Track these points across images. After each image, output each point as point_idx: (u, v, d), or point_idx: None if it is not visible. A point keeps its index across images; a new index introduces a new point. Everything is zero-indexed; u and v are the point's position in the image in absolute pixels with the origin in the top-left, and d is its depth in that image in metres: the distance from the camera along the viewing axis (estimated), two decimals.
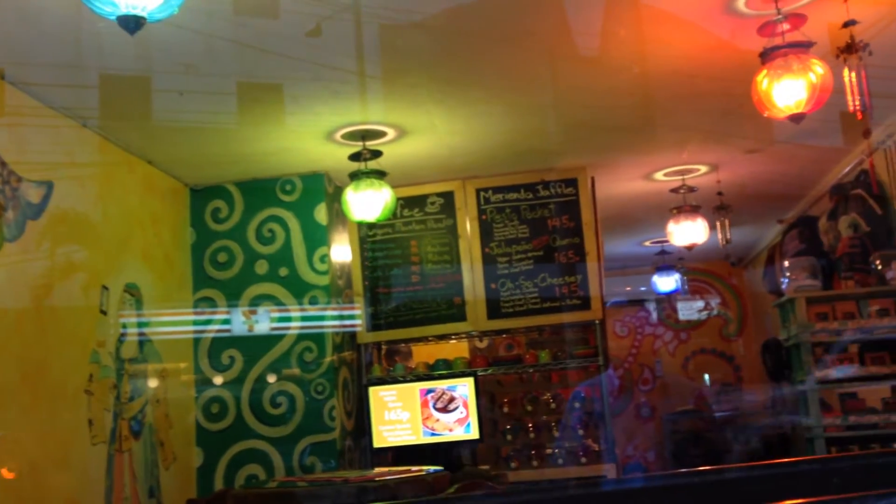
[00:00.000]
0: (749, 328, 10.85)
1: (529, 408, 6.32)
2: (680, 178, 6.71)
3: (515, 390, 6.50)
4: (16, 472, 3.80)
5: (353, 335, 6.13)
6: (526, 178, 6.18)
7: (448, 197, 6.22)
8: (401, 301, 6.16)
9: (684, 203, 6.84)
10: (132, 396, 4.87)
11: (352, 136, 5.16)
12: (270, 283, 5.77)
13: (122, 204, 4.99)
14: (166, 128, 4.84)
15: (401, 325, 6.15)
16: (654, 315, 11.09)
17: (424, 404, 5.75)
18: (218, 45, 3.85)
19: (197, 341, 5.75)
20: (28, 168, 4.05)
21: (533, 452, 6.04)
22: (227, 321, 5.77)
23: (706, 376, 10.84)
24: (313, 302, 5.72)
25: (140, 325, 5.05)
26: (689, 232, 6.82)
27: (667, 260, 9.51)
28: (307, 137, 5.17)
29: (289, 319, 5.71)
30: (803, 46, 3.77)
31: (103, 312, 4.64)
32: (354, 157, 5.31)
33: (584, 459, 5.91)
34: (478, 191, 6.20)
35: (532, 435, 6.20)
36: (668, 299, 10.69)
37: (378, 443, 5.76)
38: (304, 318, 5.70)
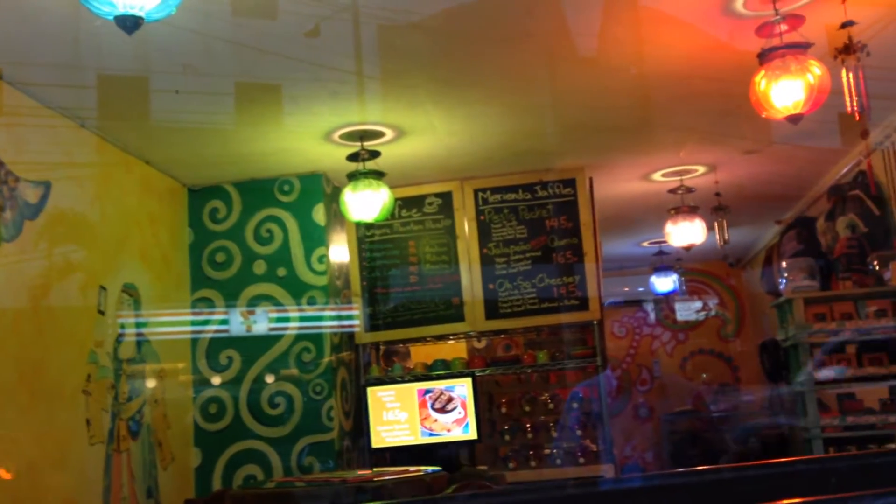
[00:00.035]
0: (747, 329, 10.86)
1: (527, 408, 6.32)
2: (678, 178, 6.72)
3: (513, 391, 6.50)
4: (13, 472, 3.80)
5: (351, 335, 6.13)
6: (524, 179, 6.18)
7: (446, 197, 6.22)
8: (399, 301, 6.16)
9: (682, 204, 6.85)
10: (130, 397, 4.87)
11: (350, 137, 5.16)
12: (268, 284, 5.76)
13: (120, 204, 4.98)
14: (164, 128, 4.84)
15: (399, 326, 6.15)
16: (653, 315, 11.10)
17: (422, 405, 5.75)
18: (216, 46, 3.85)
19: (195, 341, 5.74)
20: (26, 168, 4.05)
21: (531, 453, 6.04)
22: (225, 321, 5.76)
23: (703, 376, 10.85)
24: (311, 302, 5.72)
25: (138, 325, 5.05)
26: (687, 232, 6.83)
27: (665, 260, 9.51)
28: (305, 138, 5.17)
29: (287, 320, 5.71)
30: (801, 47, 3.78)
31: (101, 313, 4.64)
32: (352, 157, 5.31)
33: (582, 460, 5.91)
34: (476, 191, 6.20)
35: (530, 435, 6.20)
36: (666, 300, 10.70)
37: (376, 443, 5.76)
38: (302, 319, 5.70)
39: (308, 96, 4.53)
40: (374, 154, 5.34)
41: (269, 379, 5.65)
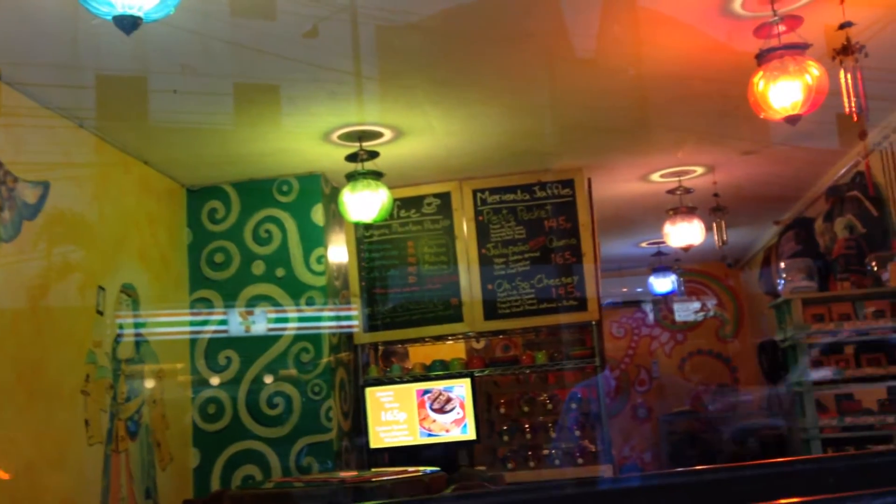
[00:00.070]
0: (745, 329, 10.86)
1: (526, 408, 6.32)
2: (676, 179, 6.72)
3: (512, 391, 6.50)
4: (12, 472, 3.79)
5: (349, 336, 6.13)
6: (523, 180, 6.18)
7: (445, 198, 6.22)
8: (397, 302, 6.16)
9: (681, 204, 6.85)
10: (129, 397, 4.87)
11: (348, 137, 5.16)
12: (267, 284, 5.76)
13: (119, 204, 4.98)
14: (163, 128, 4.84)
15: (397, 326, 6.15)
16: (651, 316, 11.10)
17: (421, 405, 5.75)
18: (215, 46, 3.85)
19: (193, 342, 5.74)
20: (24, 168, 4.05)
21: (529, 453, 6.04)
22: (223, 322, 5.76)
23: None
24: (310, 303, 5.72)
25: (136, 325, 5.05)
26: (685, 233, 6.83)
27: (663, 261, 9.52)
28: (304, 138, 5.17)
29: (285, 320, 5.71)
30: (799, 48, 3.78)
31: (100, 313, 4.64)
32: (351, 157, 5.31)
33: (580, 460, 5.91)
34: (474, 192, 6.20)
35: (529, 436, 6.20)
36: (664, 300, 10.70)
37: (375, 443, 5.76)
38: (300, 319, 5.70)
39: (306, 97, 4.53)
40: (373, 154, 5.34)
41: (268, 379, 5.64)
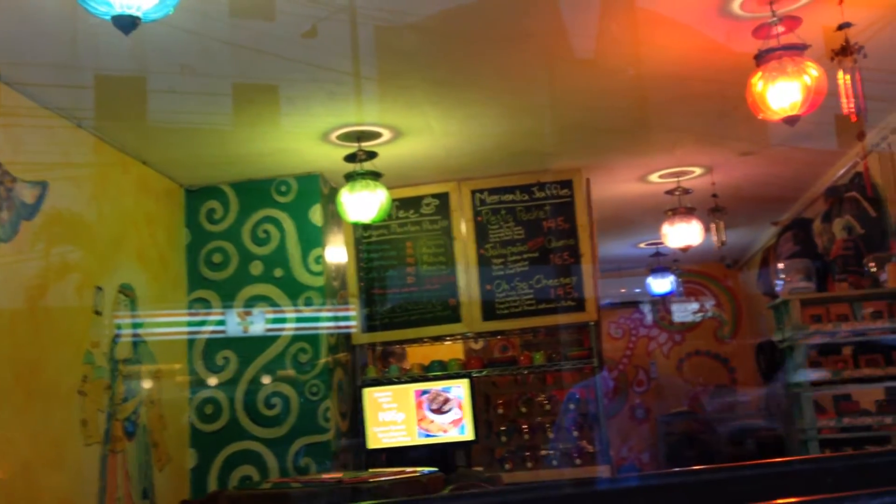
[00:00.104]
0: (743, 330, 10.87)
1: (524, 409, 6.32)
2: (675, 180, 6.72)
3: (510, 392, 6.50)
4: (9, 472, 3.79)
5: (347, 336, 6.13)
6: (521, 180, 6.18)
7: (443, 198, 6.22)
8: (396, 302, 6.16)
9: (679, 205, 6.85)
10: (126, 397, 4.86)
11: (347, 138, 5.16)
12: (265, 284, 5.76)
13: (117, 204, 4.98)
14: (161, 128, 4.83)
15: (396, 327, 6.15)
16: (649, 317, 11.11)
17: (419, 405, 5.75)
18: (213, 46, 3.85)
19: (191, 342, 5.74)
20: (23, 168, 4.04)
21: (527, 454, 6.04)
22: (221, 322, 5.76)
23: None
24: (308, 303, 5.72)
25: (134, 325, 5.04)
26: (683, 234, 6.83)
27: (661, 262, 9.52)
28: (302, 138, 5.17)
29: (283, 320, 5.70)
30: (798, 49, 3.78)
31: (97, 313, 4.63)
32: (350, 158, 5.31)
33: (578, 461, 5.91)
34: (473, 192, 6.20)
35: (527, 436, 6.20)
36: (662, 301, 10.70)
37: (372, 444, 5.76)
38: (298, 320, 5.69)
39: (305, 97, 4.53)
40: (372, 155, 5.34)
41: (266, 380, 5.64)
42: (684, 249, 7.01)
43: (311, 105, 4.64)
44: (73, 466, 4.27)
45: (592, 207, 6.26)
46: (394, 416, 5.76)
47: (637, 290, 10.57)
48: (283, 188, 5.85)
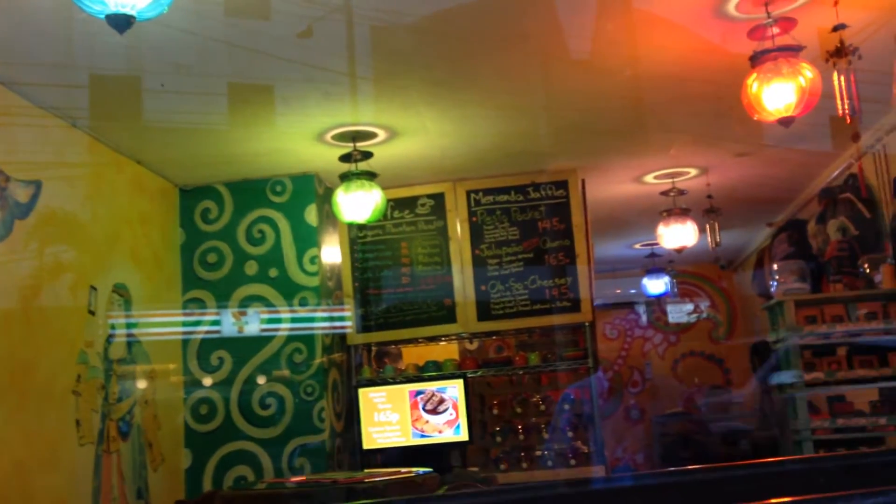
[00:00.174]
0: (738, 331, 10.88)
1: (519, 410, 6.32)
2: (670, 181, 6.73)
3: (505, 392, 6.50)
4: (2, 472, 3.78)
5: (342, 336, 6.12)
6: (516, 181, 6.18)
7: (438, 199, 6.22)
8: (391, 302, 6.15)
9: (674, 206, 6.86)
10: (120, 397, 4.85)
11: (342, 138, 5.16)
12: (260, 284, 5.75)
13: (111, 204, 4.97)
14: (156, 128, 4.82)
15: (391, 327, 6.15)
16: (644, 318, 11.12)
17: (414, 406, 5.75)
18: (209, 46, 3.84)
19: (186, 342, 5.73)
20: (16, 167, 4.03)
21: (522, 454, 6.04)
22: (216, 322, 5.75)
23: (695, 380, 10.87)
24: (303, 303, 5.71)
25: (128, 325, 5.03)
26: (678, 235, 6.84)
27: (657, 262, 9.53)
28: (298, 138, 5.17)
29: (278, 321, 5.70)
30: (793, 50, 3.79)
31: (91, 313, 4.62)
32: (345, 158, 5.31)
33: (573, 461, 5.91)
34: (468, 192, 6.20)
35: (521, 437, 6.20)
36: (657, 302, 10.72)
37: (367, 444, 5.75)
38: (293, 320, 5.69)
39: (300, 97, 4.52)
40: (367, 155, 5.34)
41: (261, 380, 5.63)
42: (679, 250, 7.02)
43: (306, 105, 4.64)
44: (67, 466, 4.26)
45: (587, 208, 6.26)
46: (389, 417, 5.75)
47: (632, 291, 10.58)
48: (279, 188, 5.84)
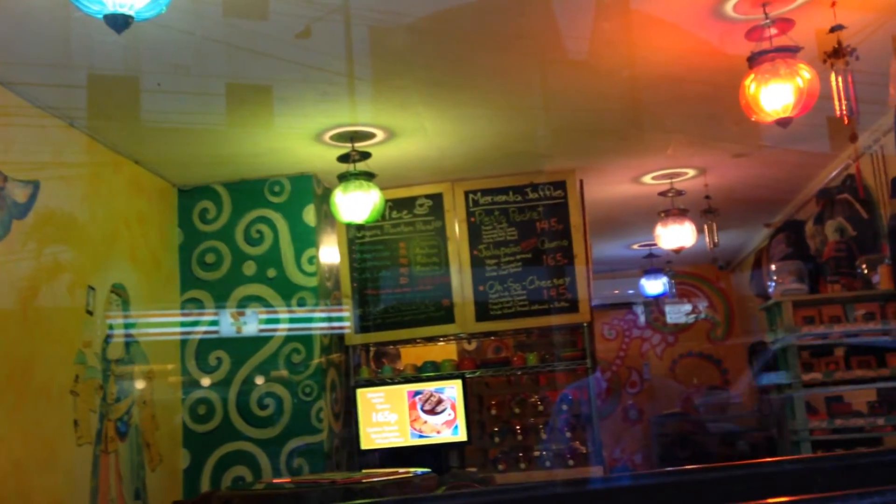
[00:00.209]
0: (736, 331, 10.89)
1: (517, 410, 6.32)
2: (668, 181, 6.74)
3: (503, 392, 6.50)
4: (0, 472, 3.77)
5: (341, 337, 6.12)
6: (515, 181, 6.18)
7: (437, 199, 6.22)
8: (389, 303, 6.15)
9: (672, 206, 6.87)
10: (118, 397, 4.85)
11: (340, 138, 5.16)
12: (258, 285, 5.75)
13: (109, 204, 4.97)
14: (154, 128, 4.82)
15: (389, 327, 6.14)
16: (642, 318, 11.12)
17: (412, 406, 5.74)
18: (207, 46, 3.84)
19: (184, 342, 5.72)
20: (14, 167, 4.03)
21: (520, 455, 6.04)
22: (214, 322, 5.75)
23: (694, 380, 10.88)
24: (301, 303, 5.71)
25: (127, 325, 5.03)
26: (676, 235, 6.84)
27: (655, 263, 9.54)
28: (296, 139, 5.17)
29: (277, 321, 5.70)
30: (791, 51, 3.79)
31: (89, 313, 4.62)
32: (343, 158, 5.31)
33: (571, 462, 5.91)
34: (466, 193, 6.20)
35: (520, 437, 6.20)
36: (655, 302, 10.72)
37: (365, 445, 5.75)
38: (292, 320, 5.69)
39: (299, 97, 4.52)
40: (365, 155, 5.34)
41: (259, 380, 5.63)
42: (677, 251, 7.02)
43: (304, 105, 4.64)
44: (64, 467, 4.26)
45: (586, 209, 6.27)
46: (387, 417, 5.75)
47: (630, 292, 10.58)
48: (277, 188, 5.84)
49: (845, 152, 5.97)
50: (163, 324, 5.59)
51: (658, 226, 6.93)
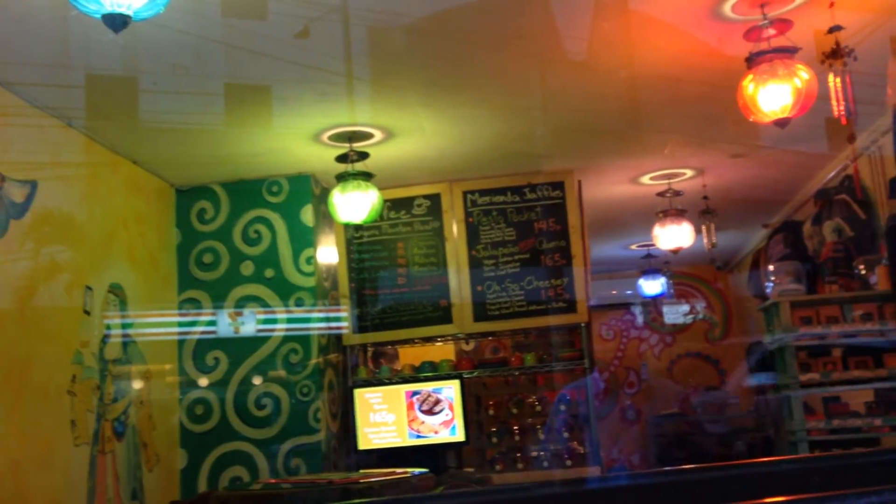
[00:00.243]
0: (734, 332, 10.89)
1: (515, 410, 6.32)
2: (666, 182, 6.74)
3: (501, 393, 6.50)
4: None
5: (338, 337, 6.12)
6: (513, 181, 6.18)
7: (435, 199, 6.22)
8: (387, 303, 6.15)
9: (670, 207, 6.87)
10: (116, 397, 4.85)
11: (339, 138, 5.15)
12: (256, 285, 5.75)
13: (107, 204, 4.96)
14: (152, 128, 4.82)
15: (387, 328, 6.14)
16: (640, 318, 11.12)
17: (410, 406, 5.74)
18: (205, 46, 3.84)
19: (181, 343, 5.72)
20: (12, 167, 4.03)
21: (518, 455, 6.04)
22: (212, 322, 5.74)
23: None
24: (299, 303, 5.71)
25: (124, 325, 5.03)
26: (674, 236, 6.85)
27: (653, 263, 9.54)
28: (294, 139, 5.16)
29: (274, 321, 5.69)
30: (789, 52, 3.80)
31: (87, 313, 4.61)
32: (341, 158, 5.30)
33: (569, 462, 5.91)
34: (464, 193, 6.20)
35: (517, 437, 6.20)
36: (653, 303, 10.72)
37: (363, 445, 5.75)
38: (289, 320, 5.68)
39: (297, 97, 4.52)
40: (363, 155, 5.34)
41: (256, 380, 5.63)
42: (675, 251, 7.03)
43: (302, 105, 4.64)
44: (61, 467, 4.25)
45: (584, 209, 6.27)
46: (385, 417, 5.75)
47: (628, 292, 10.58)
48: (275, 188, 5.84)
49: (843, 153, 5.97)
50: (160, 324, 5.58)
51: (656, 226, 6.93)
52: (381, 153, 5.40)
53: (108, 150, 5.01)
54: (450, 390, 5.76)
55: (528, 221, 6.14)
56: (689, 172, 6.57)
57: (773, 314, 6.07)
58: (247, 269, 5.77)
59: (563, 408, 6.18)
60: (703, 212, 6.89)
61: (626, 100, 4.96)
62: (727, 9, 3.84)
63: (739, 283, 10.14)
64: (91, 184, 4.81)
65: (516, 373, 6.27)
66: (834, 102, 3.72)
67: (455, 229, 6.16)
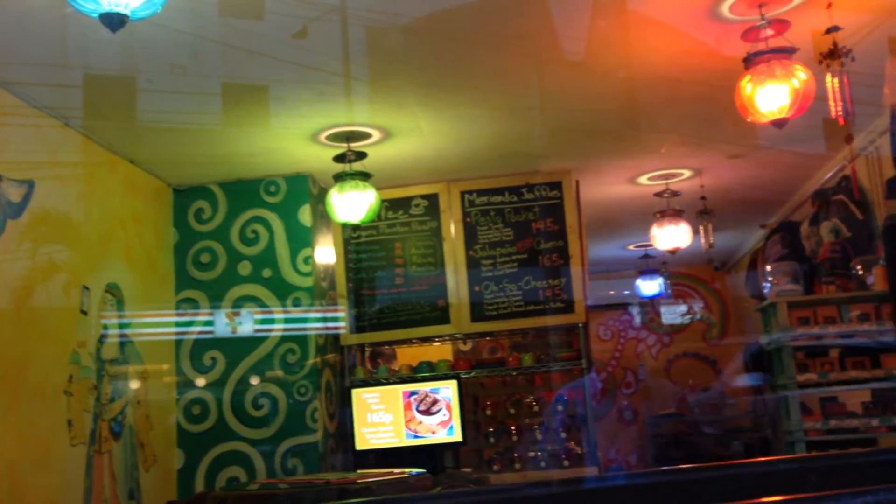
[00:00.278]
0: (731, 332, 10.90)
1: (512, 410, 6.32)
2: (664, 182, 6.74)
3: (498, 393, 6.51)
4: None
5: (336, 337, 6.12)
6: (511, 181, 6.18)
7: (432, 199, 6.22)
8: (384, 303, 6.15)
9: (668, 207, 6.87)
10: (113, 397, 4.84)
11: (336, 138, 5.15)
12: (254, 285, 5.74)
13: (104, 204, 4.96)
14: (150, 128, 4.82)
15: (384, 328, 6.14)
16: (638, 319, 11.13)
17: (407, 407, 5.74)
18: (203, 46, 3.83)
19: (179, 342, 5.71)
20: (9, 167, 4.02)
21: (515, 455, 6.04)
22: (209, 322, 5.74)
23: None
24: (297, 303, 5.70)
25: (121, 325, 5.02)
26: (672, 236, 6.85)
27: (650, 264, 9.54)
28: (292, 138, 5.16)
29: (272, 321, 5.69)
30: (787, 52, 3.80)
31: (84, 313, 4.61)
32: (339, 158, 5.30)
33: (566, 462, 5.91)
34: (462, 193, 6.20)
35: (515, 438, 6.20)
36: (651, 303, 10.73)
37: (360, 445, 5.75)
38: (287, 320, 5.68)
39: (295, 97, 4.52)
40: (361, 155, 5.34)
41: (254, 380, 5.62)
42: (673, 252, 7.03)
43: (300, 105, 4.63)
44: (58, 467, 4.24)
45: (581, 209, 6.27)
46: (382, 418, 5.75)
47: (626, 292, 10.59)
48: (272, 188, 5.83)
49: (841, 153, 5.98)
50: (157, 324, 5.58)
51: (654, 226, 6.93)
52: (378, 153, 5.40)
53: (105, 150, 5.01)
54: (447, 390, 5.76)
55: (526, 221, 6.14)
56: (687, 173, 6.57)
57: (770, 314, 6.08)
58: (244, 269, 5.77)
59: (560, 408, 6.18)
60: (700, 212, 6.89)
61: (623, 100, 4.96)
62: (725, 9, 3.85)
63: (737, 283, 10.14)
64: (88, 183, 4.81)
65: (514, 373, 6.27)
66: (831, 103, 3.73)
67: (453, 229, 6.16)
